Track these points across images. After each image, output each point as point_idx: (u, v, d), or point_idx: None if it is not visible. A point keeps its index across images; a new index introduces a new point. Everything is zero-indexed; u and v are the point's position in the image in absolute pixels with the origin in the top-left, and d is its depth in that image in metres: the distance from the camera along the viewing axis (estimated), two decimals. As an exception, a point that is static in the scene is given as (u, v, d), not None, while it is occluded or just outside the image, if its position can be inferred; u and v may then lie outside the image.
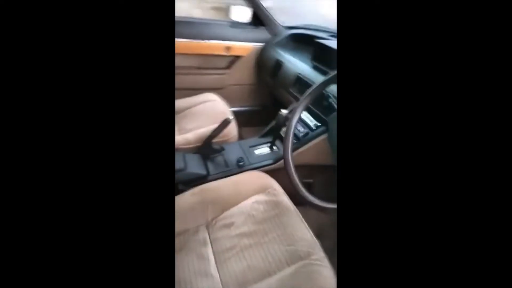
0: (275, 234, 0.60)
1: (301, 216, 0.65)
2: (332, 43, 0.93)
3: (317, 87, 0.68)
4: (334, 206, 0.54)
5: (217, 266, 0.56)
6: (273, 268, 0.54)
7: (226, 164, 0.85)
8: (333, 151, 0.76)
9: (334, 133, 0.76)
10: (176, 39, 1.14)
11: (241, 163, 0.85)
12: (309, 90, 0.68)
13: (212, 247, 0.60)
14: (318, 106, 0.85)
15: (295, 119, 0.70)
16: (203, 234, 0.62)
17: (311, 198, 0.59)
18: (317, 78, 0.93)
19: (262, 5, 1.24)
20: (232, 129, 0.97)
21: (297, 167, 0.68)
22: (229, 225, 0.63)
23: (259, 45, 1.29)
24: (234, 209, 0.67)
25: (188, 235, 0.62)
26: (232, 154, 0.89)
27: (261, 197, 0.69)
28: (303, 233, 0.60)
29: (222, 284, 0.53)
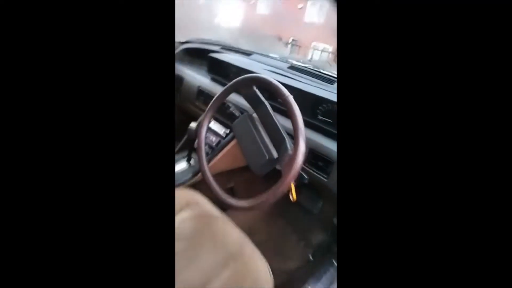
0: (207, 245, 0.63)
1: (227, 218, 0.70)
2: (223, 56, 1.01)
3: (216, 98, 0.73)
4: (257, 201, 0.59)
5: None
6: (211, 276, 0.57)
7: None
8: (243, 153, 0.83)
9: (243, 136, 0.83)
10: None
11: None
12: (211, 102, 0.73)
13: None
14: (223, 115, 0.91)
15: (203, 131, 0.74)
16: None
17: (233, 202, 0.63)
18: (216, 89, 0.99)
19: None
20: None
21: (216, 175, 0.72)
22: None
23: None
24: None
25: None
26: None
27: (185, 214, 0.70)
28: (232, 234, 0.65)
29: None
